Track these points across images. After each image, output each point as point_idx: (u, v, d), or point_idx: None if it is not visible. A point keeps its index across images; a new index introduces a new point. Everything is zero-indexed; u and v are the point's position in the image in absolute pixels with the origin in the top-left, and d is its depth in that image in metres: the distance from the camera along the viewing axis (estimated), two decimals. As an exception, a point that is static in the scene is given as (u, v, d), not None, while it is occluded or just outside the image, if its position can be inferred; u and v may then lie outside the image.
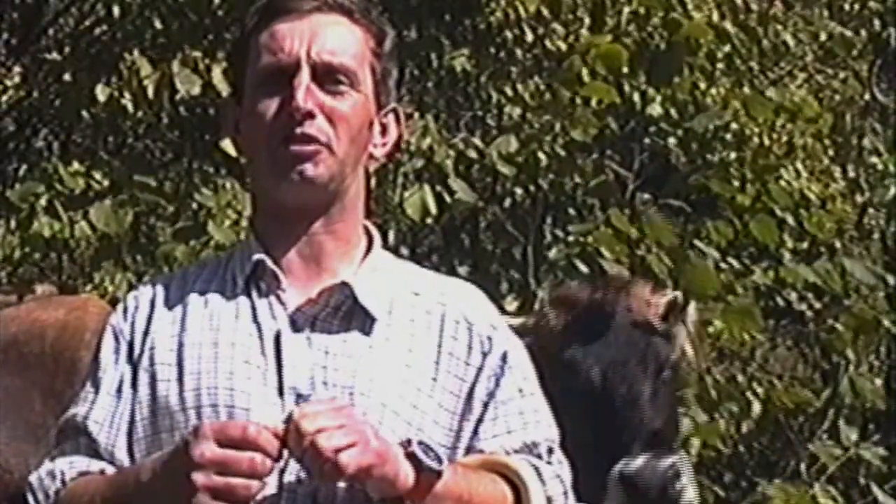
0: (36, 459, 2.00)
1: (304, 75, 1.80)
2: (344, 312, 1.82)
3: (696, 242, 4.85)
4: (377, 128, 1.89)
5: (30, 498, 1.83)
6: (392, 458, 1.67)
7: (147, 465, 1.73)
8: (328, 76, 1.82)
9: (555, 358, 2.95)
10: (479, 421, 1.84)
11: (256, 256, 1.84)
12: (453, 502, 1.73)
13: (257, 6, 1.89)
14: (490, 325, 1.89)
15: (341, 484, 1.72)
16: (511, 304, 4.50)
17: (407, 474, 1.68)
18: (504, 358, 1.87)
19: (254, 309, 1.83)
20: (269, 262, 1.84)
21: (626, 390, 2.94)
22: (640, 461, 2.80)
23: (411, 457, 1.69)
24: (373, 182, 2.02)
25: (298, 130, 1.79)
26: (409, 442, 1.70)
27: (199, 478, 1.61)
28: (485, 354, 1.86)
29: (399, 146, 1.92)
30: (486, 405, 1.84)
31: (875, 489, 4.78)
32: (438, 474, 1.70)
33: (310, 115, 1.79)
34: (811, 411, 5.04)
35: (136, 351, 1.85)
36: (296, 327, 1.81)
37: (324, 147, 1.80)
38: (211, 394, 1.77)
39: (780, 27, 5.94)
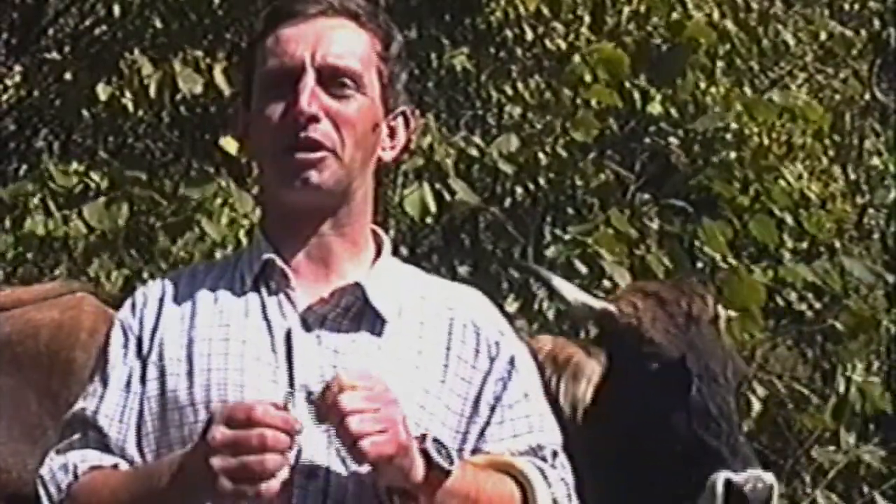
0: (33, 459, 2.00)
1: (309, 79, 1.80)
2: (354, 313, 1.83)
3: (696, 242, 4.85)
4: (385, 131, 1.88)
5: (41, 490, 1.83)
6: (412, 451, 1.68)
7: (173, 460, 1.74)
8: (333, 80, 1.81)
9: (640, 342, 3.11)
10: (486, 424, 1.84)
11: (266, 256, 1.85)
12: (461, 500, 1.74)
13: (265, 12, 1.89)
14: (497, 330, 1.90)
15: (349, 473, 1.74)
16: (511, 305, 4.51)
17: (418, 469, 1.69)
18: (511, 362, 1.88)
19: (263, 306, 1.84)
20: (279, 262, 1.84)
21: (720, 401, 3.06)
22: (746, 474, 2.94)
23: (424, 453, 1.69)
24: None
25: (303, 135, 1.79)
26: (423, 437, 1.71)
27: (216, 462, 1.62)
28: (492, 359, 1.87)
29: (408, 148, 1.90)
30: (493, 409, 1.85)
31: (876, 495, 4.76)
32: (447, 473, 1.70)
33: (314, 119, 1.79)
34: (811, 411, 5.03)
35: (146, 346, 1.86)
36: (306, 326, 1.82)
37: (329, 153, 1.80)
38: (220, 389, 1.78)
39: (780, 27, 5.93)
